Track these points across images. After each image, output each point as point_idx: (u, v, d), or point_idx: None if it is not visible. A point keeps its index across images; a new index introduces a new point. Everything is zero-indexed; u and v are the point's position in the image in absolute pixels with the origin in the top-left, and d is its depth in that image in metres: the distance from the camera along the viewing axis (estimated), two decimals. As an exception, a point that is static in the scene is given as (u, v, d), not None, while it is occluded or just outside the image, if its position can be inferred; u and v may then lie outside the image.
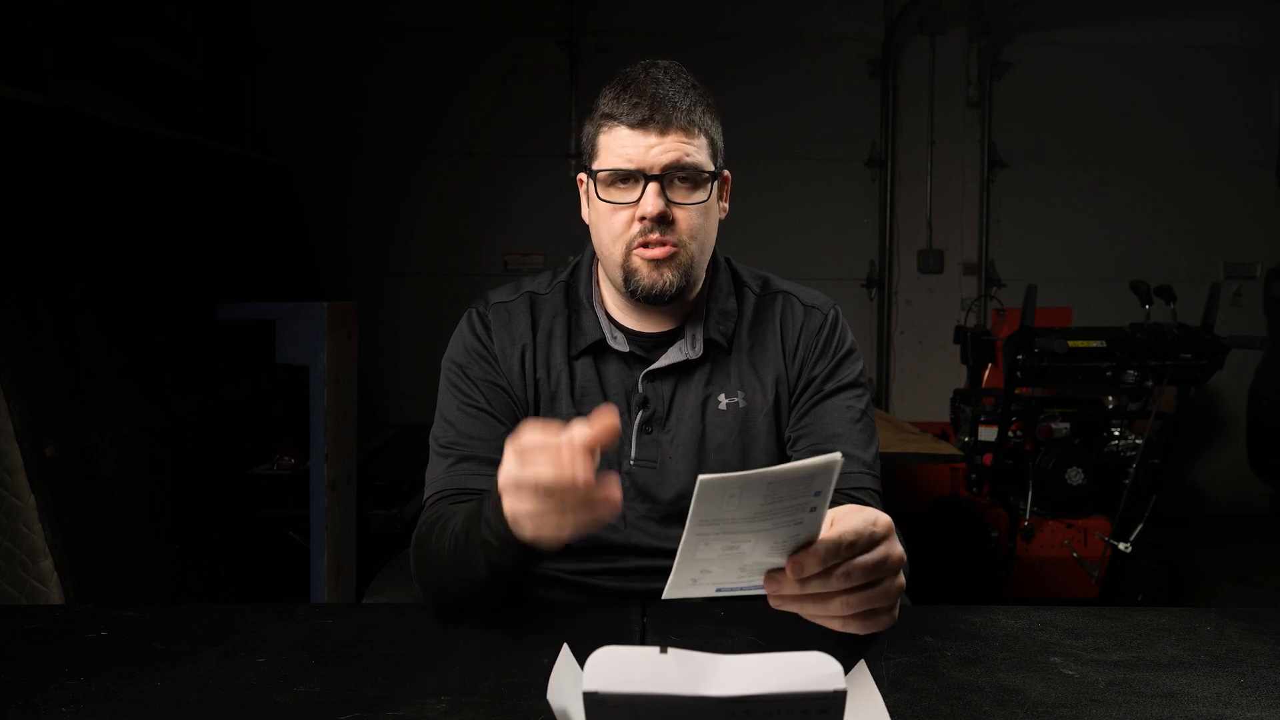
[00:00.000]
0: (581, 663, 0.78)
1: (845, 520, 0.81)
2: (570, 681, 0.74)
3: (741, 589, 0.83)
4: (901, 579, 0.84)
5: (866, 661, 0.84)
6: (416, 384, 4.40)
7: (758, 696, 0.61)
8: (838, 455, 0.72)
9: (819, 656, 0.63)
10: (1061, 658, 0.96)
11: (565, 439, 0.80)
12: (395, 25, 4.54)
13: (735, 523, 0.74)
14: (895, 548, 0.83)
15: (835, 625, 0.83)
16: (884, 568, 0.81)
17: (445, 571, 1.05)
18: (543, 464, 0.81)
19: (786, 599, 0.81)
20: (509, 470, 0.84)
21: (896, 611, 0.85)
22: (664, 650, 0.64)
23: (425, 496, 1.20)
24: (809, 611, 0.82)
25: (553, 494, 0.81)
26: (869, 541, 0.81)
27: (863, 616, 0.83)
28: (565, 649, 0.77)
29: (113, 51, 3.21)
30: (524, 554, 0.93)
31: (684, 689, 0.62)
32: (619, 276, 1.18)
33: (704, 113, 1.16)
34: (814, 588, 0.79)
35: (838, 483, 1.17)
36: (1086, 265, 4.76)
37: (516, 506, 0.86)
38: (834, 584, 0.79)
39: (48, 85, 2.83)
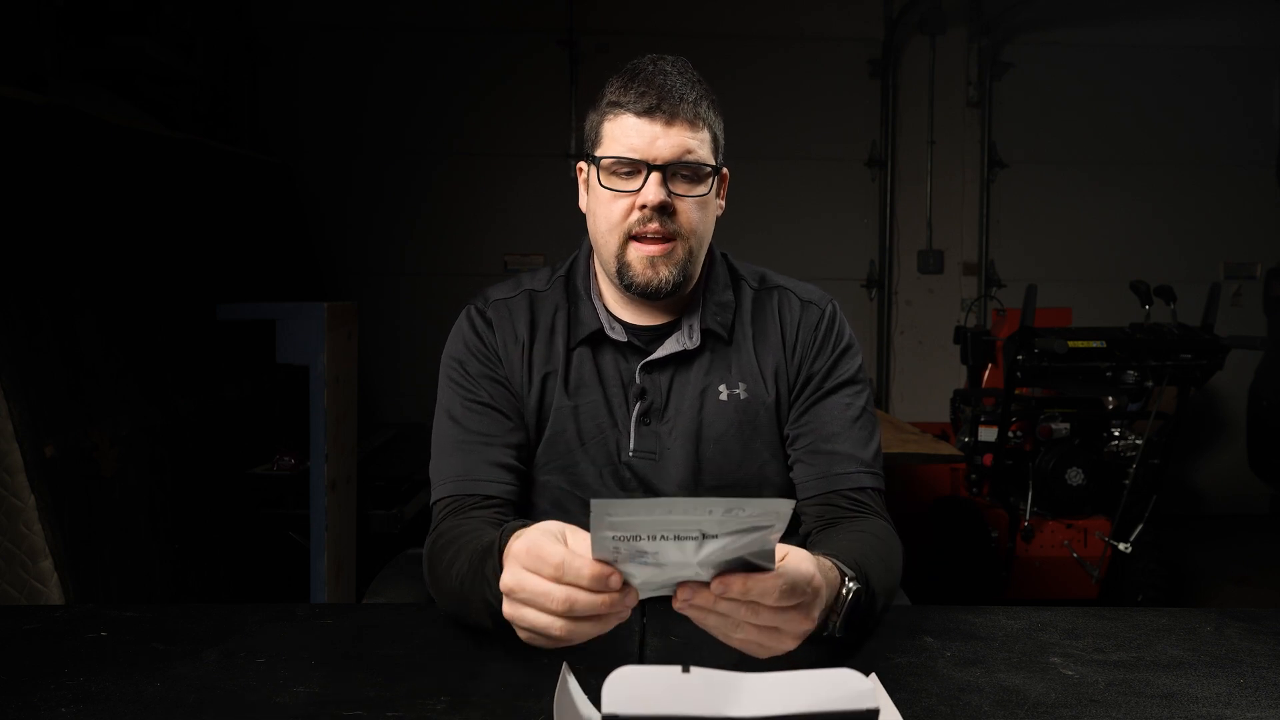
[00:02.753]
0: (581, 677, 0.77)
1: (792, 570, 0.79)
2: (570, 702, 0.72)
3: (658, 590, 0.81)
4: (808, 628, 0.83)
5: (862, 662, 0.84)
6: (416, 384, 4.40)
7: (787, 717, 0.59)
8: (775, 538, 0.71)
9: (848, 673, 0.61)
10: (1061, 658, 0.96)
11: (564, 584, 0.77)
12: (395, 25, 4.53)
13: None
14: (814, 613, 0.82)
15: (722, 639, 0.82)
16: (795, 627, 0.81)
17: (452, 605, 1.04)
18: (535, 610, 0.79)
19: (694, 607, 0.79)
20: (508, 582, 0.81)
21: (792, 644, 0.84)
22: (686, 669, 0.61)
23: (434, 499, 1.19)
24: (707, 623, 0.81)
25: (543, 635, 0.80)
26: (799, 602, 0.80)
27: (751, 645, 0.82)
28: (565, 669, 0.75)
29: (113, 51, 3.21)
30: None
31: (708, 710, 0.59)
32: (613, 267, 1.18)
33: (709, 107, 1.16)
34: (724, 608, 0.79)
35: (836, 484, 1.19)
36: (1086, 265, 4.75)
37: (513, 618, 0.83)
38: (742, 613, 0.79)
39: (48, 85, 2.83)
